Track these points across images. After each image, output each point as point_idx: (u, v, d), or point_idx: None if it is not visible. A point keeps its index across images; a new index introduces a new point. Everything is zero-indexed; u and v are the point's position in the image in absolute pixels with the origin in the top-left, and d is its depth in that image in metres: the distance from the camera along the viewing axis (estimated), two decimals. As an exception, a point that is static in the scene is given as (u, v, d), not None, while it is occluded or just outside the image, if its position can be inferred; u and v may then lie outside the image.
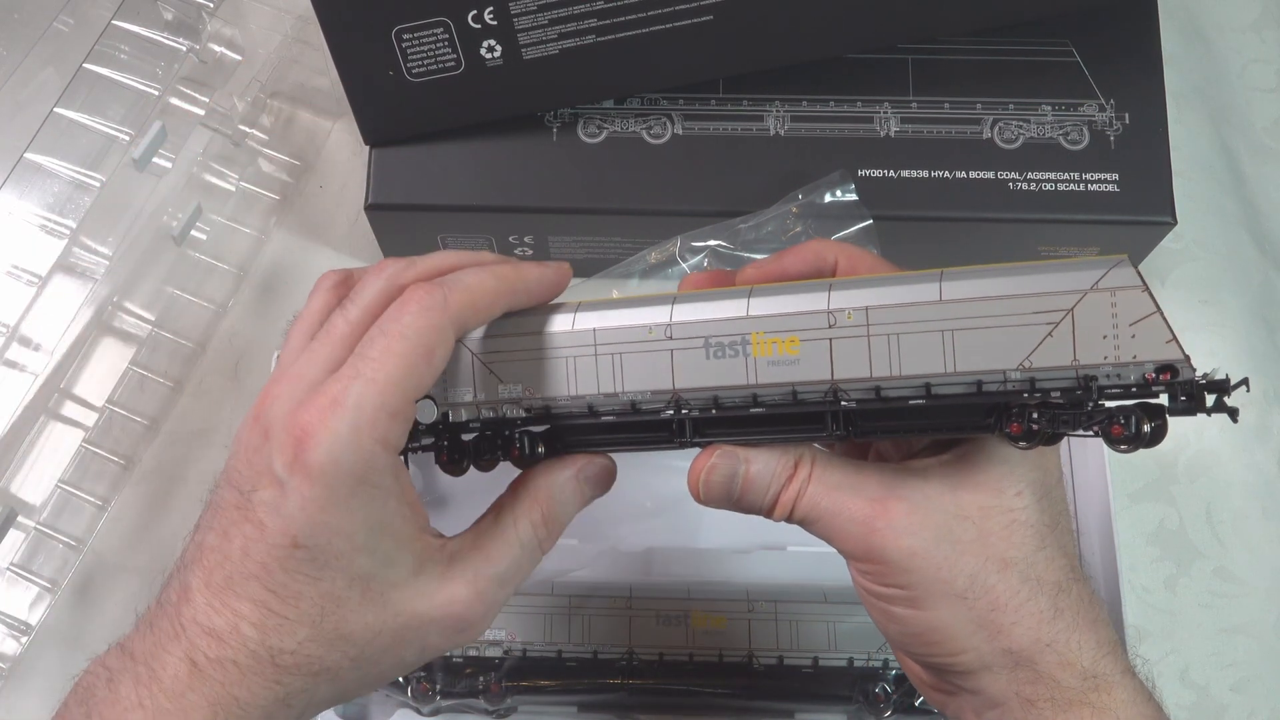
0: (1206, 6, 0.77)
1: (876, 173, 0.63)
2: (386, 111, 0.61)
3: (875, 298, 0.37)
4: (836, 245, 0.42)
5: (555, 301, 0.42)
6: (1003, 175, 0.63)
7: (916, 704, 0.57)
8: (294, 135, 0.73)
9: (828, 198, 0.60)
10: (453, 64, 0.59)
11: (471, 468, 0.42)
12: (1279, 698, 0.64)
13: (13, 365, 0.58)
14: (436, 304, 0.37)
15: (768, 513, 0.40)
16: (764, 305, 0.38)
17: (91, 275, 0.59)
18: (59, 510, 0.62)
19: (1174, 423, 0.36)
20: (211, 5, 0.62)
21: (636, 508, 0.64)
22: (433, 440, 0.41)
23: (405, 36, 0.58)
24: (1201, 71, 0.75)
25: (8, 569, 0.61)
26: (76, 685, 0.38)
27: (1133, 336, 0.35)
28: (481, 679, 0.58)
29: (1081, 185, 0.63)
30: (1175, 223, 0.63)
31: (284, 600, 0.36)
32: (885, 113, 0.63)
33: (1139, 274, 0.35)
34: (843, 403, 0.38)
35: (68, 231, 0.57)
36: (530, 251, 0.67)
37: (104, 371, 0.65)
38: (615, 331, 0.39)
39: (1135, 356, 0.35)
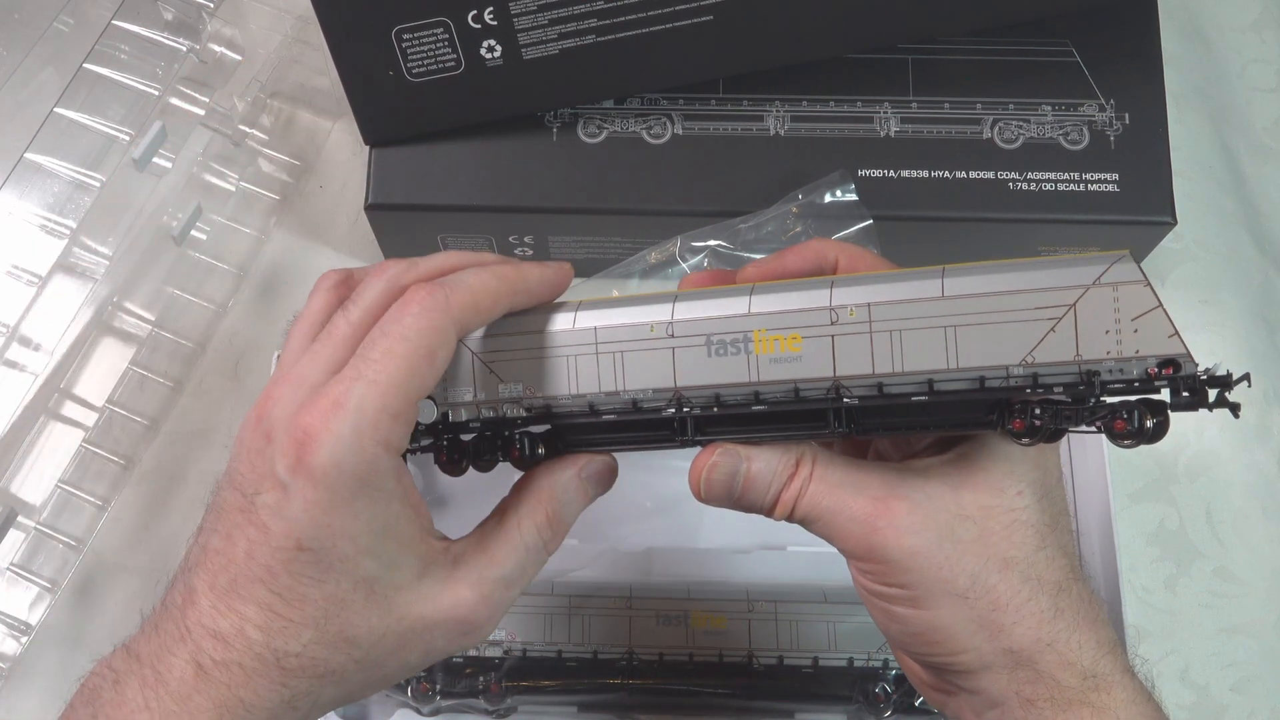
0: (1206, 6, 0.77)
1: (876, 173, 0.63)
2: (386, 111, 0.61)
3: (877, 294, 0.37)
4: (837, 244, 0.42)
5: (556, 301, 0.42)
6: (1003, 175, 0.63)
7: (916, 704, 0.57)
8: (294, 135, 0.73)
9: (828, 198, 0.60)
10: (453, 64, 0.59)
11: (471, 468, 0.42)
12: (1279, 698, 0.64)
13: (13, 365, 0.58)
14: (438, 305, 0.37)
15: (769, 511, 0.40)
16: (766, 303, 0.38)
17: (91, 275, 0.59)
18: (59, 510, 0.62)
19: (1174, 422, 0.36)
20: (211, 5, 0.62)
21: (636, 508, 0.64)
22: (431, 441, 0.41)
23: (405, 36, 0.58)
24: (1201, 71, 0.75)
25: (8, 569, 0.61)
26: (82, 686, 0.38)
27: (1135, 331, 0.35)
28: (481, 679, 0.58)
29: (1081, 185, 0.63)
30: (1175, 223, 0.63)
31: (288, 603, 0.36)
32: (885, 113, 0.63)
33: (1141, 269, 0.35)
34: (845, 400, 0.38)
35: (68, 231, 0.57)
36: (530, 251, 0.67)
37: (104, 371, 0.65)
38: (616, 330, 0.39)
39: (1138, 351, 0.35)
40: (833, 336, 0.37)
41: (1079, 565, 0.41)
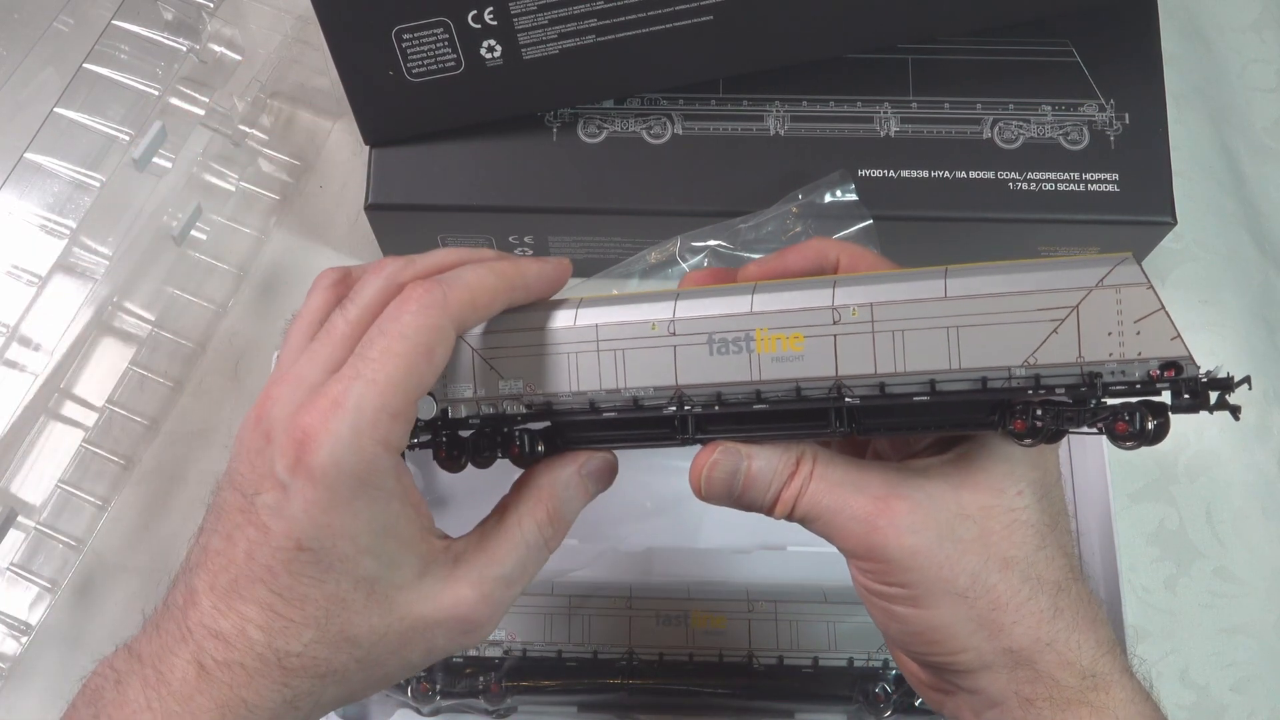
0: (1206, 6, 0.77)
1: (876, 173, 0.63)
2: (386, 111, 0.61)
3: (880, 294, 0.37)
4: (838, 244, 0.42)
5: (557, 297, 0.41)
6: (1003, 175, 0.63)
7: (916, 704, 0.57)
8: (294, 135, 0.73)
9: (828, 198, 0.60)
10: (453, 64, 0.59)
11: (469, 465, 0.42)
12: (1279, 698, 0.64)
13: (13, 365, 0.58)
14: (436, 302, 0.37)
15: (769, 510, 0.40)
16: (768, 301, 0.38)
17: (91, 275, 0.59)
18: (59, 510, 0.62)
19: (1174, 422, 0.36)
20: (211, 5, 0.62)
21: (636, 508, 0.64)
22: (430, 437, 0.41)
23: (405, 36, 0.58)
24: (1201, 71, 0.75)
25: (8, 569, 0.61)
26: (84, 686, 0.38)
27: (1137, 333, 0.35)
28: (481, 679, 0.58)
29: (1081, 185, 0.63)
30: (1175, 223, 0.63)
31: (289, 603, 0.36)
32: (885, 113, 0.63)
33: (1144, 271, 0.35)
34: (846, 399, 0.38)
35: (68, 231, 0.57)
36: (530, 251, 0.67)
37: (104, 371, 0.65)
38: (618, 327, 0.39)
39: (1140, 353, 0.35)
40: (835, 336, 0.37)
41: (1078, 565, 0.41)
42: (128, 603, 0.64)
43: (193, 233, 0.65)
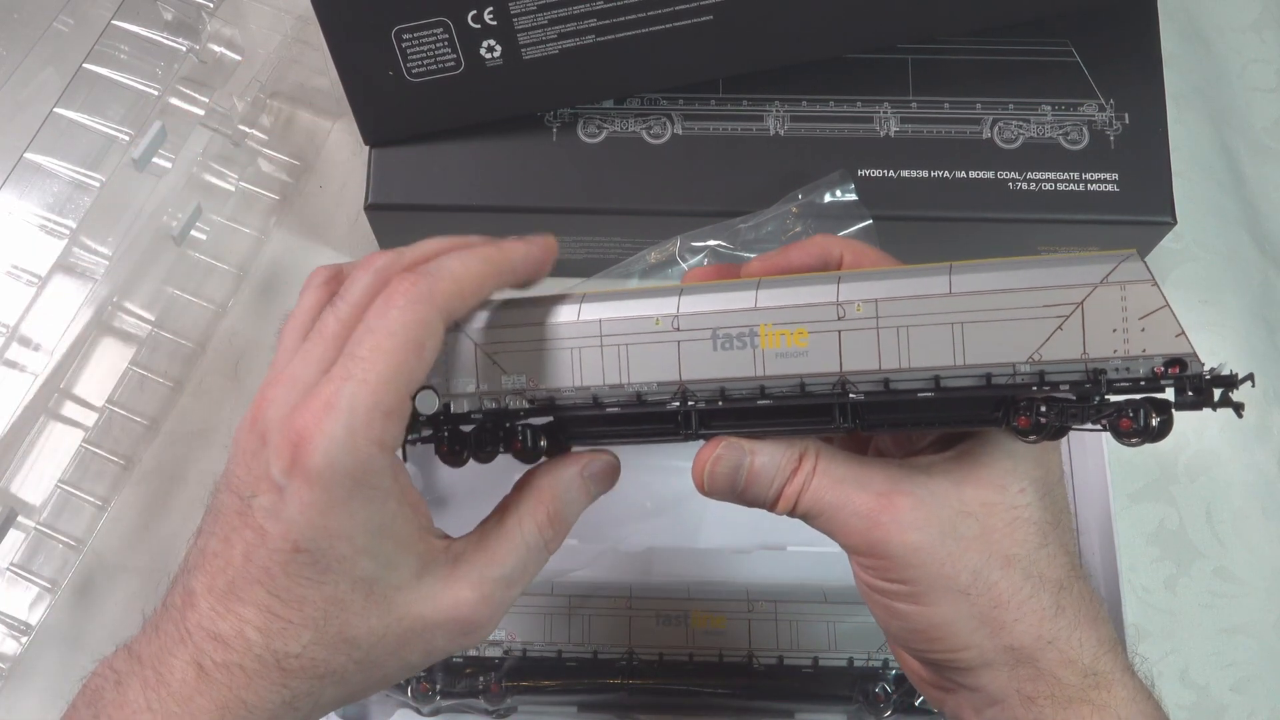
0: (1206, 6, 0.77)
1: (876, 173, 0.63)
2: (386, 111, 0.61)
3: (885, 290, 0.37)
4: (841, 240, 0.42)
5: (560, 292, 0.41)
6: (1003, 175, 0.63)
7: (916, 704, 0.57)
8: (294, 135, 0.73)
9: (828, 198, 0.60)
10: (453, 64, 0.59)
11: (471, 460, 0.42)
12: (1279, 698, 0.64)
13: (13, 365, 0.57)
14: (422, 296, 0.36)
15: (772, 505, 0.40)
16: (773, 297, 0.38)
17: (91, 275, 0.59)
18: (59, 510, 0.62)
19: (1175, 421, 0.36)
20: (211, 5, 0.62)
21: (636, 508, 0.64)
22: (432, 431, 0.41)
23: (405, 36, 0.58)
24: (1201, 71, 0.75)
25: (8, 569, 0.61)
26: (84, 687, 0.38)
27: (1142, 330, 0.35)
28: (481, 679, 0.58)
29: (1081, 185, 0.63)
30: (1175, 223, 0.63)
31: (287, 604, 0.36)
32: (885, 113, 0.64)
33: (1148, 268, 0.35)
34: (851, 395, 0.38)
35: (68, 231, 0.57)
36: (530, 251, 0.67)
37: (104, 371, 0.65)
38: (622, 323, 0.39)
39: (1144, 350, 0.35)
40: (839, 332, 0.37)
41: (1079, 563, 0.41)
42: (128, 603, 0.64)
43: (193, 233, 0.65)
